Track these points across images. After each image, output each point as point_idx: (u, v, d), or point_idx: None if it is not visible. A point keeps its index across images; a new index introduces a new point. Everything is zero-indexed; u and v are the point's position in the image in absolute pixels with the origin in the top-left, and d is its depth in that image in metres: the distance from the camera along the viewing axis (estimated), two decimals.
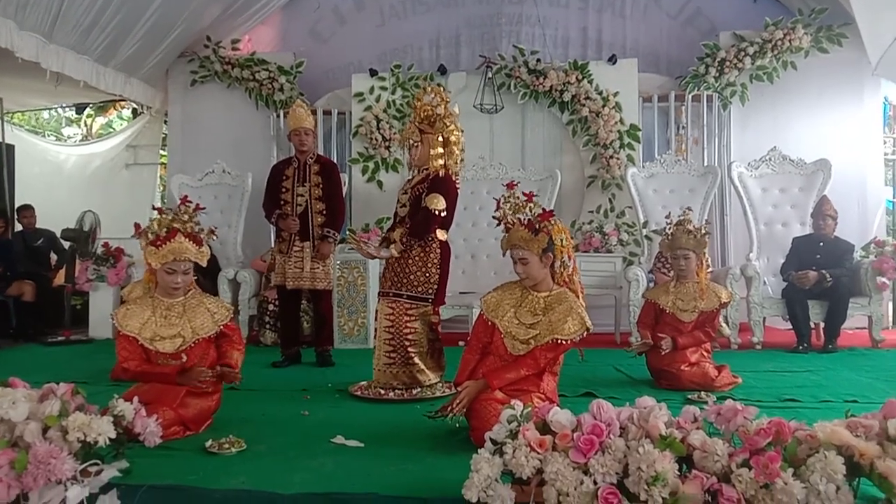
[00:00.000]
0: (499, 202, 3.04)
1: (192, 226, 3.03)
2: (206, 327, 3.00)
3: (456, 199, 3.91)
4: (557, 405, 2.69)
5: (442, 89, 3.95)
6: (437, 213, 3.74)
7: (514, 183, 3.10)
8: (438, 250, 3.85)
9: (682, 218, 4.09)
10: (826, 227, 5.45)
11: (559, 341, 2.77)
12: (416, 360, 3.79)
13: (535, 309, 2.87)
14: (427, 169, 3.87)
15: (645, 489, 1.81)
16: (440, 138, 3.83)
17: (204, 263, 3.08)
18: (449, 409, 2.81)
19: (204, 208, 3.32)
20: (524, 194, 3.03)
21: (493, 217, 3.08)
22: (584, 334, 2.80)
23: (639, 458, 1.85)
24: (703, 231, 4.03)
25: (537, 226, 2.89)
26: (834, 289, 5.19)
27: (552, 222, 2.89)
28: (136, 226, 2.98)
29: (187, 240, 2.97)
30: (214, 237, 3.26)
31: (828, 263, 5.29)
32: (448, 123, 3.85)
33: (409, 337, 3.79)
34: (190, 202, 3.15)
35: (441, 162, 3.83)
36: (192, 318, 2.99)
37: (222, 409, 3.22)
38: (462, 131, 3.95)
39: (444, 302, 3.99)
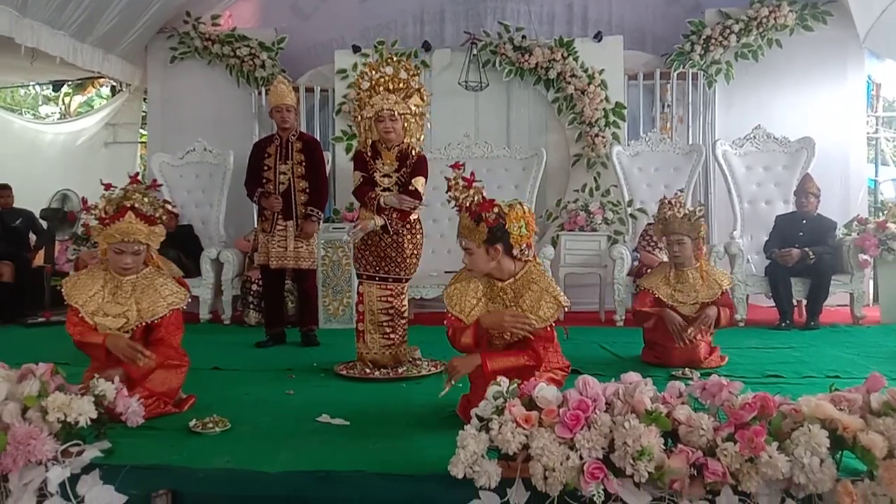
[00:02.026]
0: (449, 184, 2.81)
1: (147, 204, 2.83)
2: (155, 311, 2.83)
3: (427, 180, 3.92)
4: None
5: (407, 60, 3.91)
6: (421, 194, 3.79)
7: (461, 164, 2.89)
8: (421, 230, 3.93)
9: (672, 200, 3.87)
10: (809, 205, 5.48)
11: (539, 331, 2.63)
12: (406, 335, 3.89)
13: (504, 300, 2.70)
14: (398, 146, 3.82)
15: (631, 463, 1.82)
16: (421, 112, 3.83)
17: (157, 245, 2.90)
18: (447, 385, 2.65)
19: (161, 185, 3.07)
20: (464, 179, 2.76)
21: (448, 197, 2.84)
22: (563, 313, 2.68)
23: (624, 433, 1.85)
24: (698, 214, 3.83)
25: (480, 215, 2.64)
26: (816, 266, 5.23)
27: (509, 209, 2.66)
28: (84, 201, 2.80)
29: (138, 220, 2.79)
30: (174, 210, 3.05)
31: (810, 241, 5.33)
32: (424, 98, 3.82)
33: (404, 315, 3.87)
34: (140, 182, 2.92)
35: (416, 138, 3.85)
36: (141, 299, 2.82)
37: (206, 389, 3.20)
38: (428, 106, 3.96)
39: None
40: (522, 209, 2.70)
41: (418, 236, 3.90)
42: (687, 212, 3.83)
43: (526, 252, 2.69)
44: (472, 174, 2.83)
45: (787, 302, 5.31)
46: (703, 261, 3.86)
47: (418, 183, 3.77)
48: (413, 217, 3.86)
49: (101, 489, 2.05)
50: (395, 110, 3.72)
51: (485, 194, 2.73)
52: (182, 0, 7.06)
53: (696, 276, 3.81)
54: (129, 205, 2.78)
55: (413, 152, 3.84)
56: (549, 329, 2.66)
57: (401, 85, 3.79)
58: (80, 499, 2.03)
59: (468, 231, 2.69)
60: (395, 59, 3.88)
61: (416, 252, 3.87)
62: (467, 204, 2.72)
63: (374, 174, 3.82)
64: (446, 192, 2.85)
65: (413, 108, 3.81)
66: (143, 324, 2.82)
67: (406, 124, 3.80)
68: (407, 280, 3.90)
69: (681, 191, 4.14)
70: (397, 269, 3.82)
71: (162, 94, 7.54)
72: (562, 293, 2.71)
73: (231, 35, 7.20)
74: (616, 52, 6.67)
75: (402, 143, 3.82)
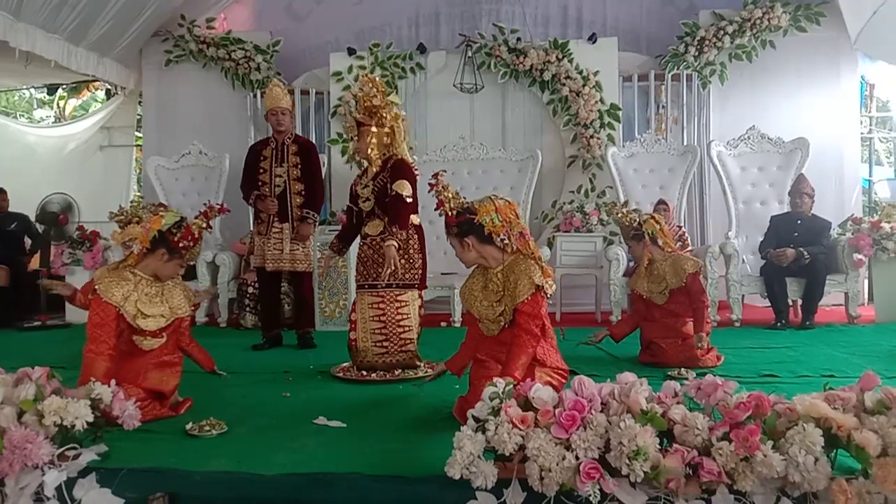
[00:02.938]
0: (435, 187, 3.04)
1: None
2: (183, 308, 3.07)
3: (416, 184, 3.85)
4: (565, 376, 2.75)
5: (377, 79, 3.93)
6: (406, 198, 3.72)
7: (440, 173, 3.11)
8: (416, 235, 3.85)
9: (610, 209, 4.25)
10: (803, 205, 5.51)
11: (518, 307, 2.74)
12: (412, 346, 3.79)
13: (496, 287, 2.85)
14: (380, 158, 3.86)
15: (626, 463, 1.82)
16: (385, 128, 3.83)
17: None
18: None
19: (229, 211, 3.48)
20: (434, 178, 3.04)
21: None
22: (536, 291, 2.73)
23: (620, 432, 1.85)
24: (627, 222, 4.04)
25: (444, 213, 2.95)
26: (811, 266, 5.25)
27: (479, 204, 2.85)
28: (187, 228, 3.08)
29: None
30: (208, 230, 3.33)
31: (805, 241, 5.34)
32: (384, 115, 3.82)
33: (403, 324, 3.77)
34: (227, 210, 3.43)
35: (394, 150, 3.85)
36: (171, 297, 3.04)
37: (203, 392, 3.20)
38: (403, 119, 3.92)
39: (426, 286, 4.02)
40: (493, 203, 2.86)
41: (411, 241, 3.81)
42: (622, 222, 4.09)
43: (509, 241, 2.82)
44: (436, 175, 3.05)
45: (783, 302, 5.33)
46: (646, 258, 3.97)
47: (400, 187, 3.72)
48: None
49: (97, 492, 2.05)
50: (350, 132, 3.82)
51: (446, 195, 2.95)
52: (176, 3, 7.07)
53: (664, 267, 3.93)
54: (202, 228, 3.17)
55: (394, 161, 3.84)
56: (526, 302, 2.72)
57: (367, 103, 3.87)
58: (77, 502, 2.03)
59: (445, 226, 2.96)
60: (366, 77, 3.97)
61: (407, 257, 3.78)
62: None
63: (356, 188, 3.93)
64: (429, 191, 3.06)
65: (381, 123, 3.85)
66: (175, 319, 3.04)
67: (370, 139, 3.83)
68: (401, 286, 3.77)
69: (614, 202, 4.35)
70: (387, 276, 3.79)
71: (157, 98, 7.55)
72: (539, 275, 2.75)
73: (226, 38, 7.22)
74: (610, 54, 6.71)
75: (383, 155, 3.86)
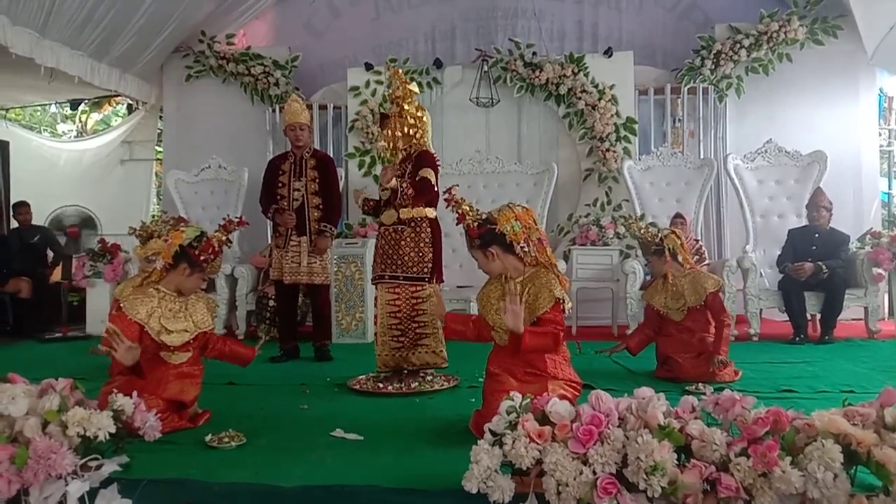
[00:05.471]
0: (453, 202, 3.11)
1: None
2: (207, 321, 3.11)
3: (438, 175, 3.92)
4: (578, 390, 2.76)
5: (399, 71, 3.99)
6: (433, 183, 3.81)
7: (452, 187, 3.19)
8: (429, 229, 3.88)
9: (629, 224, 4.26)
10: (821, 219, 5.47)
11: (539, 317, 2.75)
12: (426, 341, 3.80)
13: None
14: (406, 150, 3.93)
15: (644, 478, 1.82)
16: (410, 120, 3.88)
17: None
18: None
19: (248, 223, 3.51)
20: (448, 192, 3.13)
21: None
22: (555, 303, 2.75)
23: (637, 447, 1.85)
24: (648, 236, 4.05)
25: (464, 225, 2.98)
26: (830, 280, 5.21)
27: (498, 213, 2.88)
28: (207, 241, 3.11)
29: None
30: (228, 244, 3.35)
31: (824, 255, 5.31)
32: (405, 105, 3.88)
33: (418, 319, 3.80)
34: (246, 223, 3.45)
35: (421, 143, 3.93)
36: (194, 312, 3.08)
37: (222, 404, 3.23)
38: (415, 109, 3.95)
39: (443, 279, 4.01)
40: (512, 211, 2.88)
41: (422, 234, 3.83)
42: (644, 237, 4.09)
43: (528, 249, 2.83)
44: (448, 190, 3.12)
45: (801, 316, 5.28)
46: (670, 273, 3.94)
47: (426, 173, 3.79)
48: (419, 216, 3.85)
49: (119, 503, 2.08)
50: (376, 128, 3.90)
51: (465, 208, 3.02)
52: (197, 20, 7.19)
53: (683, 284, 3.90)
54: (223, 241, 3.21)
55: (418, 151, 3.92)
56: (547, 312, 2.75)
57: (393, 94, 3.97)
58: None
59: (466, 239, 3.00)
60: (393, 70, 4.03)
61: (416, 250, 3.80)
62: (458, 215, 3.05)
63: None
64: (447, 207, 3.13)
65: (403, 115, 3.92)
66: (199, 333, 3.08)
67: (390, 133, 3.91)
68: (412, 279, 3.79)
69: (631, 216, 4.46)
70: (394, 267, 3.80)
71: (177, 112, 7.66)
72: (559, 288, 2.77)
73: (245, 54, 7.32)
74: (626, 68, 6.72)
75: (408, 146, 3.93)
